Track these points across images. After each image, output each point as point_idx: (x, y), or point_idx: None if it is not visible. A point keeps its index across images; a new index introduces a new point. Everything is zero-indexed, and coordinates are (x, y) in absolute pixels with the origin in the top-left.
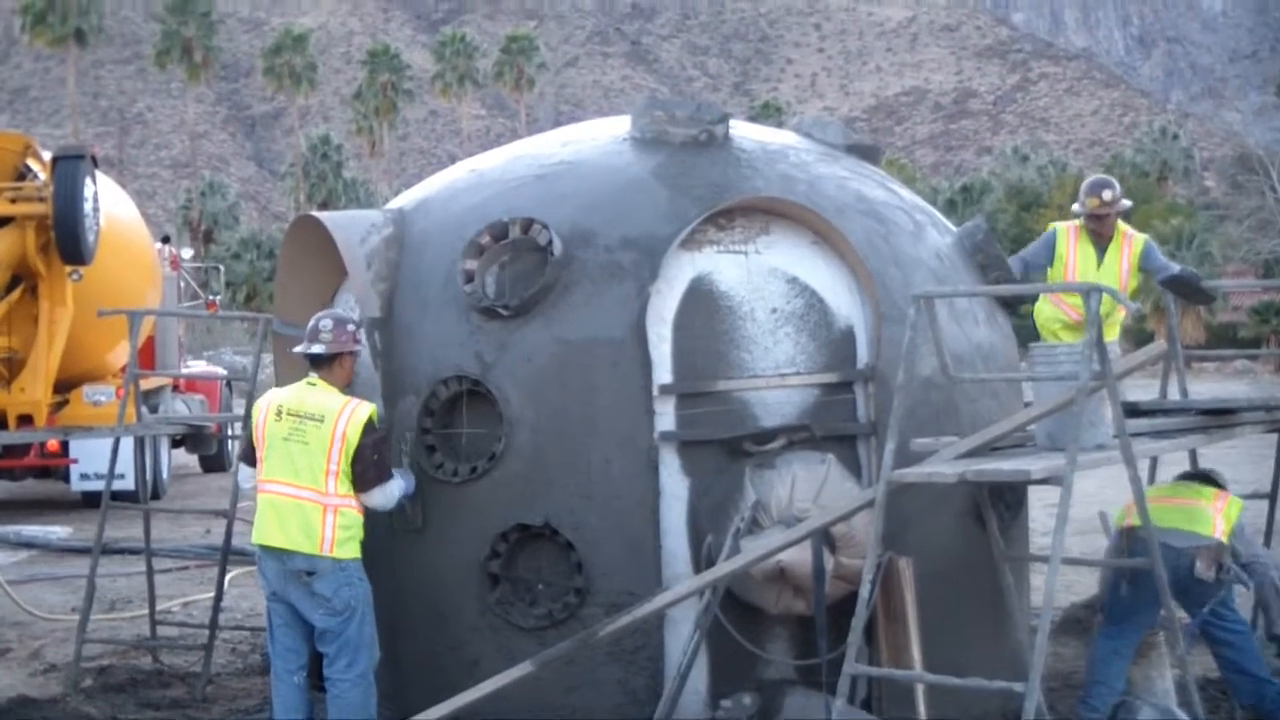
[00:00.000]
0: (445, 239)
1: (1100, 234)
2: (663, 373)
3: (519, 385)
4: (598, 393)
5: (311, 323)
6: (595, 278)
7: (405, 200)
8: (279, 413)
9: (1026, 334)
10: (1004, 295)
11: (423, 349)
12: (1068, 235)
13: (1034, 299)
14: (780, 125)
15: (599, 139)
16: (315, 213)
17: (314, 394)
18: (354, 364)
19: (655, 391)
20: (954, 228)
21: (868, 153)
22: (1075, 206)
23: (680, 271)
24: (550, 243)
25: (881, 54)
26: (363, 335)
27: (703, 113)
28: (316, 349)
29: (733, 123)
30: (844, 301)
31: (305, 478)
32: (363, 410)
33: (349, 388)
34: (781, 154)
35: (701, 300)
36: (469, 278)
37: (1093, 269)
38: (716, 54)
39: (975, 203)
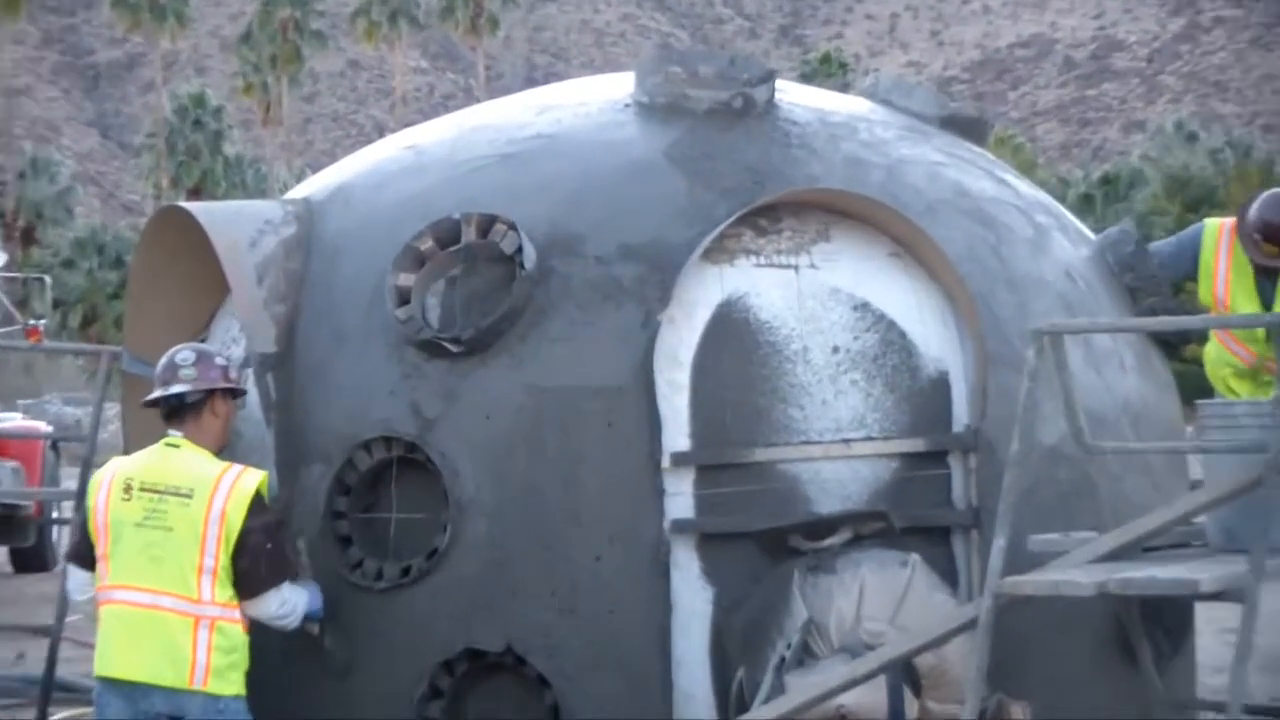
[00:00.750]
0: (370, 243)
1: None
2: (677, 436)
3: (473, 452)
4: (585, 464)
5: (165, 358)
6: (583, 301)
7: (314, 188)
8: (128, 488)
9: (1192, 385)
10: (1163, 331)
11: (336, 399)
12: (1219, 239)
13: (1204, 336)
14: (846, 88)
15: (590, 105)
16: (184, 203)
17: (177, 460)
18: (231, 415)
19: (666, 462)
20: (1092, 235)
21: (970, 128)
22: (1242, 237)
23: (703, 293)
24: (519, 250)
25: None
26: (247, 375)
27: (737, 69)
28: (177, 390)
29: (779, 84)
30: (935, 337)
31: (169, 580)
32: (249, 480)
33: (225, 452)
34: (848, 128)
35: (733, 334)
36: (404, 298)
37: (1249, 289)
38: None
39: (1122, 199)
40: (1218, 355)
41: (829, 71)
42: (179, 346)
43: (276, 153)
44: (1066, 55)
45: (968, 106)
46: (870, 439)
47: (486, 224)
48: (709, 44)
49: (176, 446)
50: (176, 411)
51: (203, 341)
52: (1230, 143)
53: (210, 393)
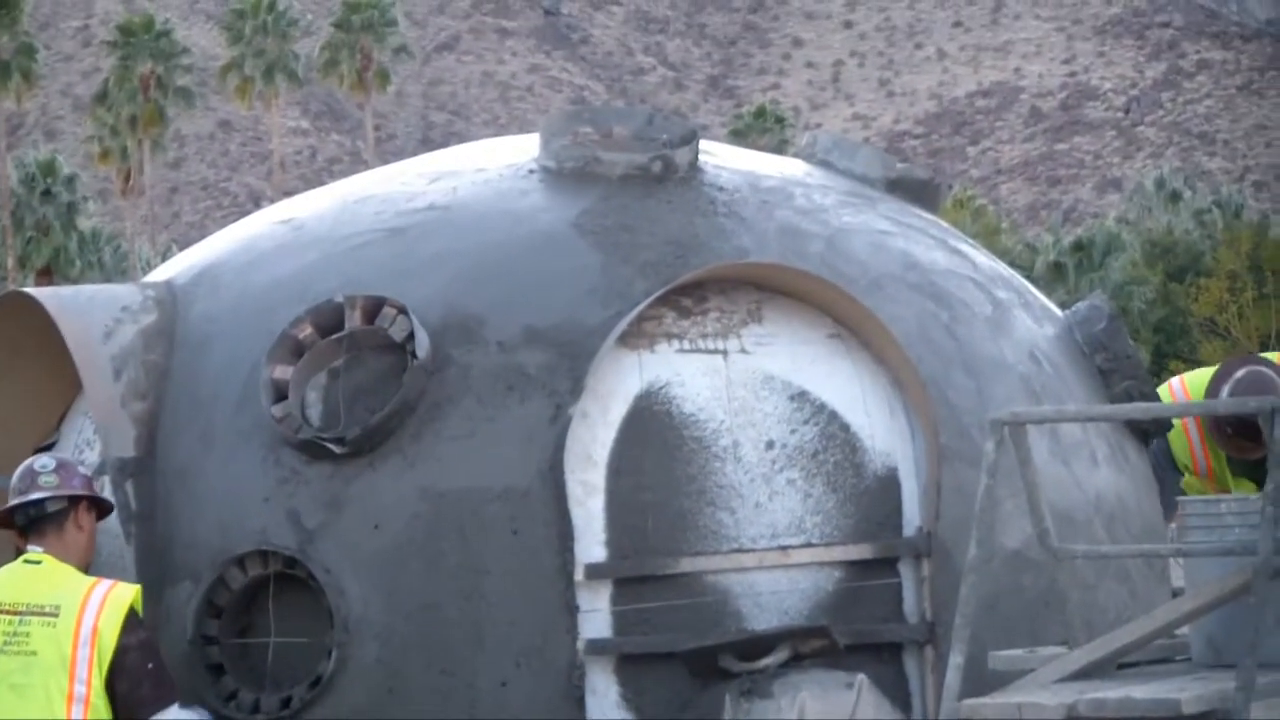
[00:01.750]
0: (242, 331)
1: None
2: (591, 545)
3: (361, 566)
4: (488, 577)
5: (23, 466)
6: (484, 393)
7: (178, 268)
8: None
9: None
10: (1139, 419)
11: (205, 508)
12: (1185, 437)
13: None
14: (785, 145)
15: (489, 171)
16: (29, 288)
17: (39, 577)
18: (94, 531)
19: (580, 575)
20: (1059, 311)
21: (921, 191)
22: (1212, 429)
23: (620, 383)
24: (410, 337)
25: (945, 29)
26: (103, 484)
27: (655, 128)
28: (35, 496)
29: (705, 144)
30: (882, 429)
31: (34, 711)
32: (122, 593)
33: (89, 569)
34: (782, 194)
35: (654, 429)
36: (280, 393)
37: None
38: (682, 31)
39: (1097, 267)
40: (1183, 457)
41: (764, 127)
42: (36, 455)
43: (138, 227)
44: (1033, 105)
45: (918, 167)
46: (810, 545)
47: (373, 307)
48: (629, 98)
49: (37, 562)
50: (36, 523)
51: (51, 446)
52: (1218, 202)
53: (73, 502)
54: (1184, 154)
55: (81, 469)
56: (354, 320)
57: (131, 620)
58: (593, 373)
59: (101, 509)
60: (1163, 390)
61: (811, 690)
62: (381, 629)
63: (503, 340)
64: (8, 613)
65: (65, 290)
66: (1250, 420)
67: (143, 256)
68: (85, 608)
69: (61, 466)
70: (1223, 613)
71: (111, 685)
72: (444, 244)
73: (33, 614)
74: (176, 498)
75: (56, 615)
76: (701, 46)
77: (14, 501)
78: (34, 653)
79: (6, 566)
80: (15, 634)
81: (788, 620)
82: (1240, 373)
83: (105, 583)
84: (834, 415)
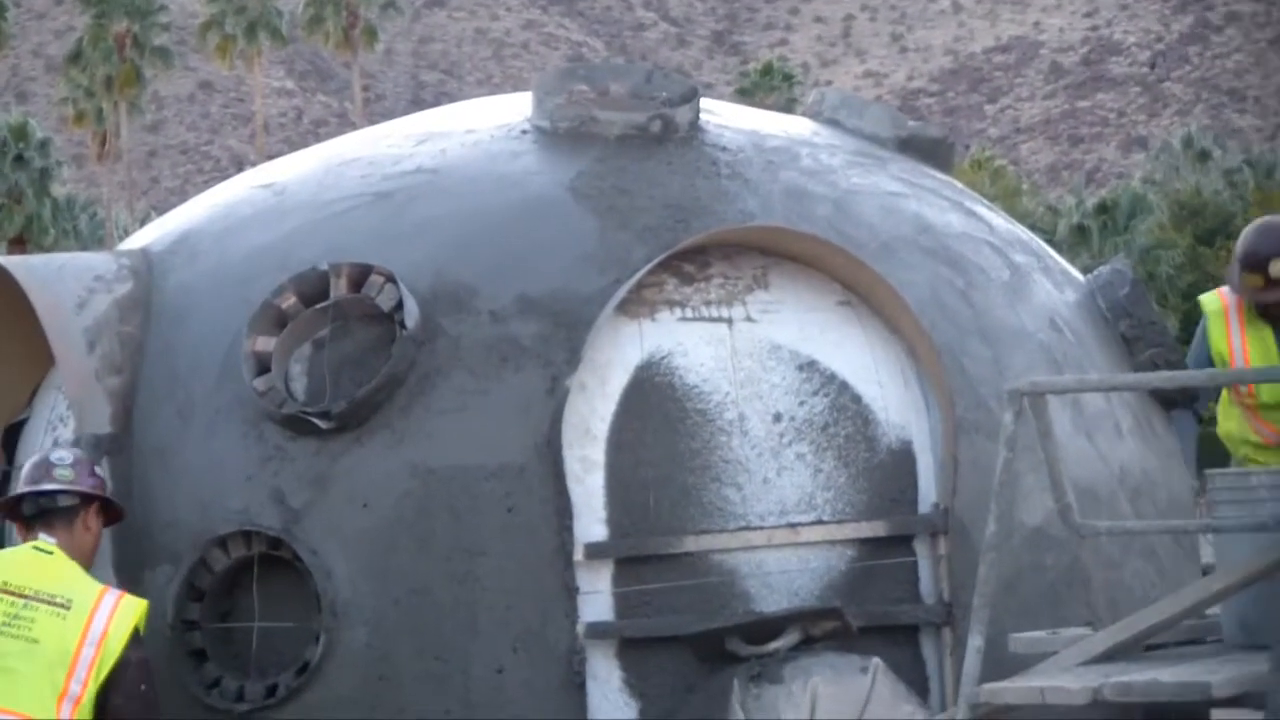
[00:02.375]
0: (222, 301)
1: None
2: (591, 524)
3: (349, 547)
4: (482, 558)
5: (37, 455)
6: (476, 365)
7: (155, 235)
8: None
9: (1204, 452)
10: (1165, 388)
11: (185, 487)
12: (1224, 319)
13: (1215, 395)
14: (794, 104)
15: (480, 133)
16: (0, 257)
17: (50, 566)
18: (100, 530)
19: (579, 555)
20: (1081, 276)
21: (934, 150)
22: (1227, 285)
23: (619, 353)
24: (399, 306)
25: None
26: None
27: (654, 85)
28: (49, 487)
29: (706, 103)
30: (895, 401)
31: (22, 699)
32: (132, 605)
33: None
34: (788, 155)
35: (655, 401)
36: (262, 366)
37: (1272, 352)
38: None
39: (1122, 230)
40: (1240, 432)
41: (772, 85)
42: (55, 446)
43: (115, 193)
44: (1054, 61)
45: (930, 125)
46: (821, 523)
47: (359, 275)
48: (628, 55)
49: (49, 552)
50: (46, 515)
51: (23, 423)
52: (1249, 161)
53: (86, 501)
54: (1213, 111)
55: (98, 470)
56: (339, 289)
57: (137, 635)
58: (590, 343)
59: (110, 514)
60: (1210, 302)
61: (824, 675)
62: (371, 613)
63: (495, 309)
64: (13, 594)
65: (36, 259)
66: (1259, 256)
67: (120, 224)
68: (98, 608)
69: (79, 462)
70: (1255, 591)
71: (104, 694)
72: (433, 209)
73: (41, 601)
74: (154, 476)
75: (68, 609)
76: (705, 1)
77: (25, 489)
78: (36, 640)
79: (11, 549)
80: (18, 617)
81: (798, 601)
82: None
83: (116, 590)
84: (845, 386)
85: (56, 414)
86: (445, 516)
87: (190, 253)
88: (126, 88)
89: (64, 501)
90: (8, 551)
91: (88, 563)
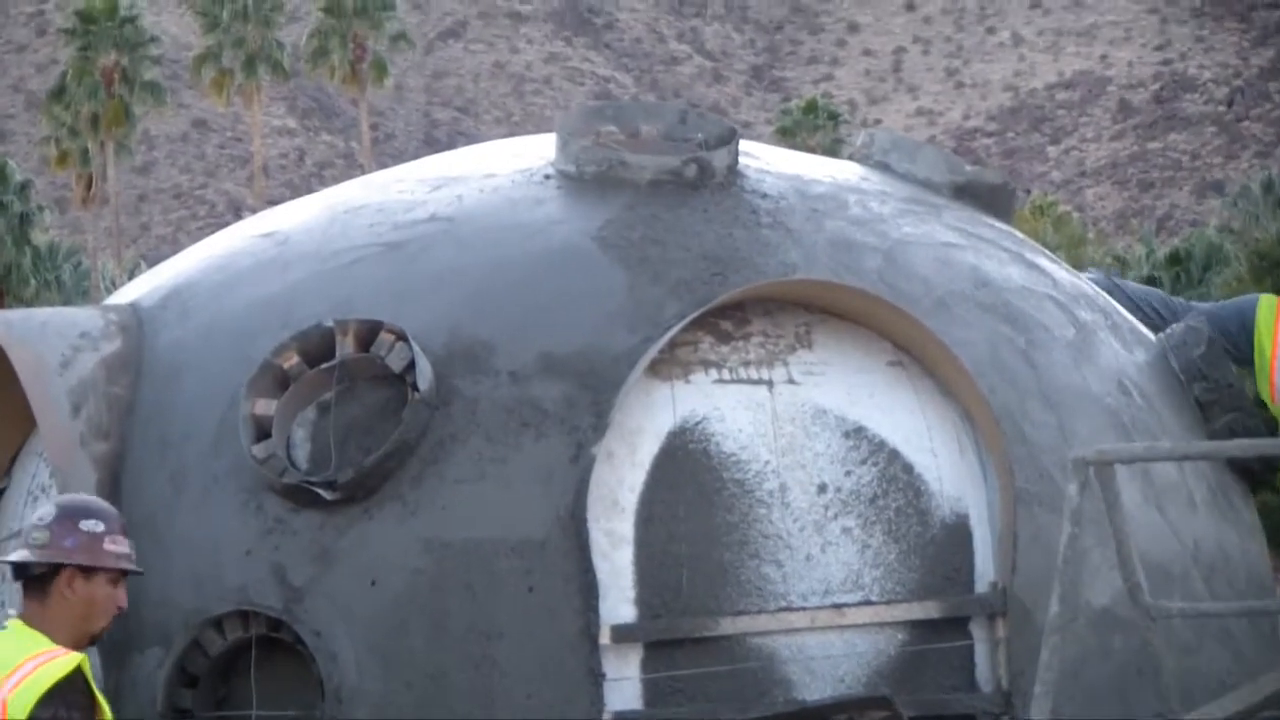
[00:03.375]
0: (218, 360)
1: None
2: (619, 604)
3: (355, 628)
4: (500, 641)
5: (37, 511)
6: (494, 431)
7: (145, 288)
8: None
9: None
10: (1243, 457)
11: (177, 563)
12: (1276, 314)
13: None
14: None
15: (499, 177)
16: None
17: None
18: (100, 598)
19: (605, 638)
20: (1152, 335)
21: (993, 197)
22: None
23: (650, 418)
24: (411, 366)
25: (1021, 11)
26: (122, 543)
27: (689, 126)
28: (15, 557)
29: (746, 145)
30: (950, 471)
31: None
32: (52, 667)
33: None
34: (834, 202)
35: (689, 471)
36: (262, 431)
37: None
38: (721, 15)
39: (1196, 283)
40: None
41: (815, 124)
42: (48, 502)
43: (101, 240)
44: (1122, 98)
45: (989, 170)
46: (868, 603)
47: (368, 333)
48: (660, 92)
49: (2, 628)
50: (25, 583)
51: (1, 492)
52: None
53: (59, 566)
54: None
55: (90, 524)
56: (346, 348)
57: (53, 695)
58: (619, 406)
59: (109, 571)
60: (1266, 302)
61: None
62: (379, 700)
63: (515, 370)
64: None
65: (16, 314)
66: None
67: (107, 275)
68: (9, 677)
69: (59, 520)
70: None
71: None
72: (448, 260)
73: None
74: (144, 550)
75: None
76: (743, 32)
77: (7, 559)
78: None
79: None
80: None
81: (843, 689)
82: None
83: (50, 653)
84: (895, 454)
85: (38, 483)
86: (460, 595)
87: (184, 307)
88: (114, 126)
89: (34, 570)
90: None
91: (76, 631)
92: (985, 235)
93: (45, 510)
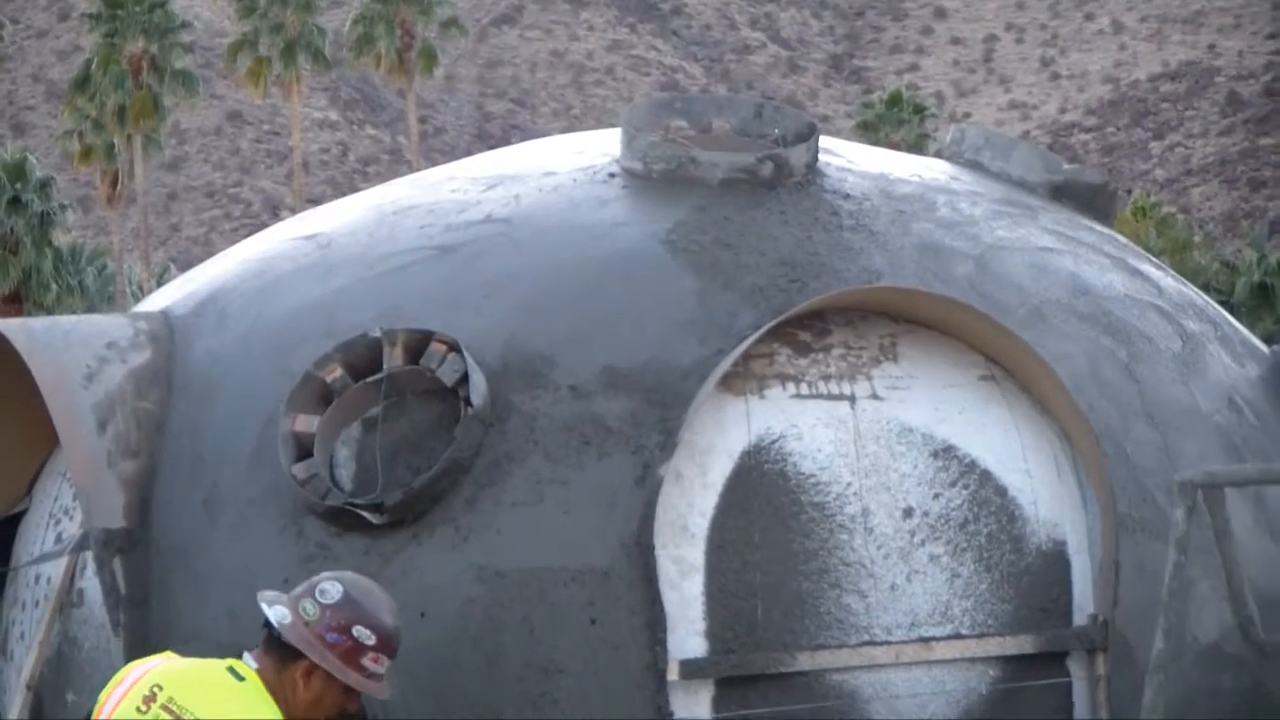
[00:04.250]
0: (256, 372)
1: None
2: (688, 637)
3: (403, 664)
4: (560, 678)
5: (312, 582)
6: (553, 450)
7: (177, 294)
8: (150, 696)
9: None
10: None
11: (211, 592)
12: None
13: None
14: (925, 141)
15: (561, 174)
16: None
17: (229, 693)
18: (324, 696)
19: (674, 674)
20: (1265, 347)
21: (1093, 197)
22: None
23: (722, 437)
24: (464, 380)
25: None
26: (383, 663)
27: (765, 121)
28: (275, 614)
29: (826, 141)
30: (1046, 494)
31: None
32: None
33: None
34: (922, 202)
35: (764, 493)
36: (303, 449)
37: None
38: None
39: None
40: None
41: (900, 118)
42: (332, 575)
43: (128, 242)
44: (1231, 90)
45: (1088, 169)
46: (958, 637)
47: (418, 344)
48: (732, 84)
49: (240, 678)
50: (268, 639)
51: (21, 515)
52: None
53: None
54: None
55: (363, 634)
56: (394, 359)
57: None
58: (688, 424)
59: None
60: None
61: None
62: None
63: (577, 384)
64: (171, 712)
65: (37, 322)
66: None
67: (133, 279)
68: None
69: (338, 609)
70: None
71: None
72: (504, 265)
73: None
74: (176, 580)
75: None
76: (821, 19)
77: (264, 604)
78: None
79: (200, 660)
80: None
81: None
82: None
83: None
84: (987, 476)
85: (60, 505)
86: (517, 628)
87: (218, 316)
88: (142, 119)
89: (287, 637)
90: (191, 663)
91: (296, 716)
92: (1084, 239)
93: (333, 585)
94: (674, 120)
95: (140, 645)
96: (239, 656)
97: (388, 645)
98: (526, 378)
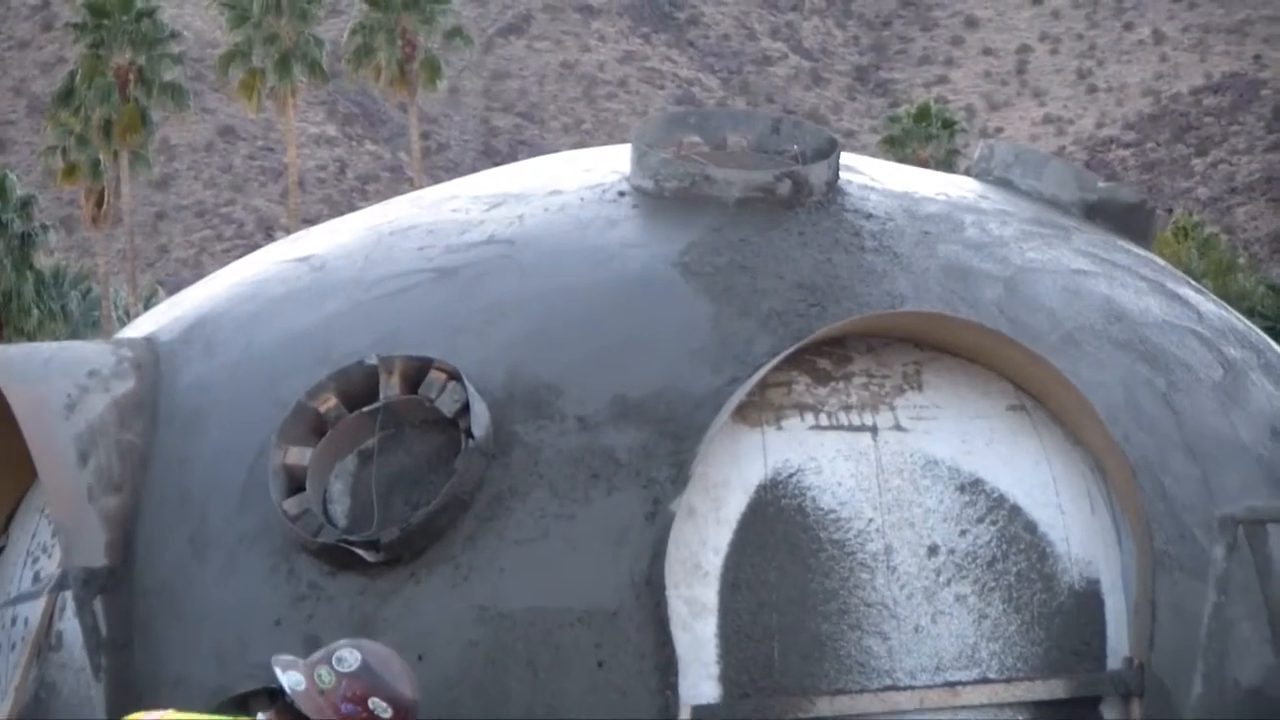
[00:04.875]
0: (245, 403)
1: None
2: (701, 681)
3: None
4: None
5: (330, 648)
6: (559, 484)
7: (164, 319)
8: None
9: None
10: None
11: (198, 634)
12: None
13: None
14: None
15: (569, 193)
16: None
17: None
18: None
19: (686, 719)
20: None
21: (1130, 217)
22: None
23: (737, 470)
24: (464, 410)
25: (1163, 5)
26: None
27: (784, 136)
28: (289, 680)
29: (848, 158)
30: (1079, 530)
31: None
32: None
33: None
34: (949, 222)
35: (781, 529)
36: (295, 483)
37: None
38: (821, 8)
39: None
40: None
41: (928, 133)
42: (348, 642)
43: (114, 264)
44: (1277, 104)
45: (1125, 187)
46: (986, 681)
47: (416, 372)
48: (750, 97)
49: None
50: (284, 703)
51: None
52: None
53: None
54: None
55: (379, 706)
56: (391, 388)
57: None
58: (701, 457)
59: None
60: None
61: None
62: None
63: (584, 414)
64: None
65: (16, 349)
66: None
67: (119, 303)
68: None
69: (355, 678)
70: None
71: None
72: (508, 290)
73: None
74: (161, 621)
75: None
76: (846, 28)
77: (279, 669)
78: None
79: (208, 718)
80: None
81: None
82: None
83: None
84: (1016, 511)
85: (39, 542)
86: (521, 672)
87: (207, 342)
88: (129, 134)
89: (299, 704)
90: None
91: None
92: (1120, 261)
93: (352, 653)
94: (687, 136)
95: (123, 691)
96: (228, 702)
97: (406, 714)
98: (531, 408)
